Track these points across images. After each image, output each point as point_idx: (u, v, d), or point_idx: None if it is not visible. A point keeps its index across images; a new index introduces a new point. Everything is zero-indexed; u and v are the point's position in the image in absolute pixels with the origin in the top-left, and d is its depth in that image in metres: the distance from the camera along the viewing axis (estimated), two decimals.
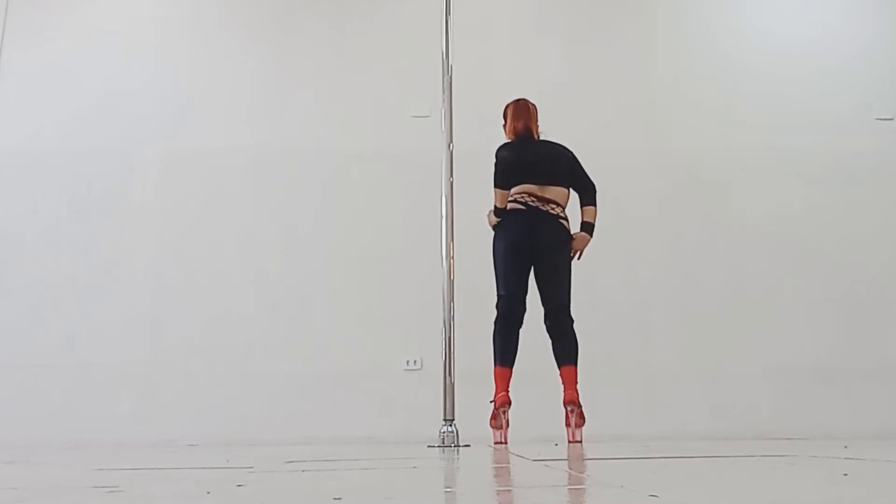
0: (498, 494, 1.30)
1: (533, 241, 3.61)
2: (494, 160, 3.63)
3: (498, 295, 3.62)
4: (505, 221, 3.63)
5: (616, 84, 5.46)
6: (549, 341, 3.61)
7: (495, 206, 3.65)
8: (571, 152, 3.82)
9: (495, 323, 3.62)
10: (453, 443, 3.24)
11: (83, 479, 1.74)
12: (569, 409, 3.52)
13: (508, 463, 2.13)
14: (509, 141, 3.78)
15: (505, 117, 3.81)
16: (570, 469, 1.84)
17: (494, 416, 3.54)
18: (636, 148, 5.33)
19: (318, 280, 5.11)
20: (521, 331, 3.63)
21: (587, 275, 5.09)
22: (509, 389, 3.61)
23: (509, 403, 3.51)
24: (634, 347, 5.03)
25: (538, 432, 3.71)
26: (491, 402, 3.51)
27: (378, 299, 5.07)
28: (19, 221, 5.17)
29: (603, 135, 5.32)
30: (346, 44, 5.48)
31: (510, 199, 3.63)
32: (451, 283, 3.45)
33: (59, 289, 5.07)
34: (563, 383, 3.55)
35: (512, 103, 3.81)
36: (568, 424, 3.55)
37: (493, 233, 3.69)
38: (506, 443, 3.52)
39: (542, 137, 3.81)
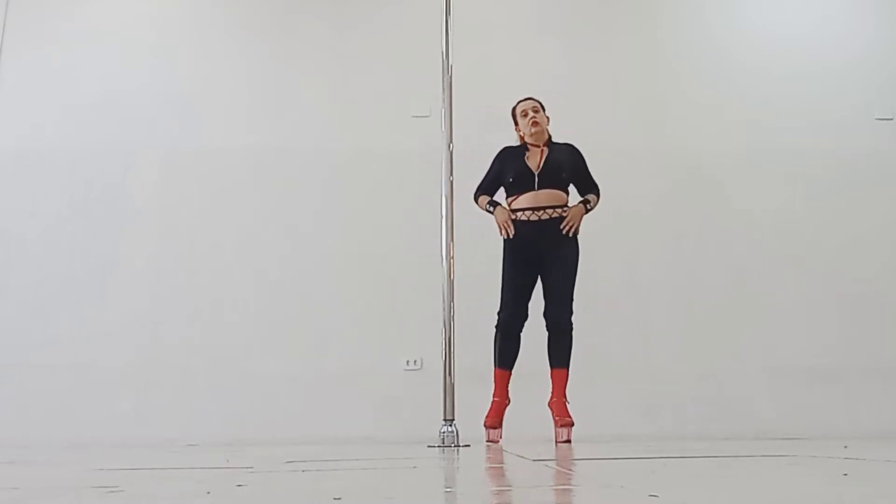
0: (498, 494, 1.30)
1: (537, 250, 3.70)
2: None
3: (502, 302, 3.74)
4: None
5: (616, 83, 5.46)
6: (542, 343, 3.68)
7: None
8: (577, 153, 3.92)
9: (496, 328, 3.71)
10: (453, 443, 3.23)
11: (83, 479, 1.74)
12: (558, 421, 3.58)
13: (508, 463, 2.13)
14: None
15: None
16: (571, 469, 1.84)
17: (490, 416, 3.62)
18: (636, 147, 5.33)
19: (318, 280, 5.11)
20: (521, 334, 3.71)
21: (587, 274, 5.10)
22: (509, 391, 3.66)
23: (498, 425, 3.64)
24: (634, 347, 5.03)
25: (538, 432, 3.71)
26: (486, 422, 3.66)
27: (378, 299, 5.07)
28: (19, 221, 5.17)
29: (603, 134, 5.32)
30: (345, 44, 5.48)
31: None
32: (451, 283, 3.44)
33: (59, 289, 5.07)
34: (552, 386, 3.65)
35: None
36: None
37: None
38: (497, 442, 3.55)
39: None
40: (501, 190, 3.85)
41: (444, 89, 3.66)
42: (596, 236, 5.15)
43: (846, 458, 2.04)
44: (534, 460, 2.14)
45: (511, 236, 3.67)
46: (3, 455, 3.04)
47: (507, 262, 3.70)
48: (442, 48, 3.70)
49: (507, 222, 3.67)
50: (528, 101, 3.87)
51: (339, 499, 1.17)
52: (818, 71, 5.49)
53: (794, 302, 5.13)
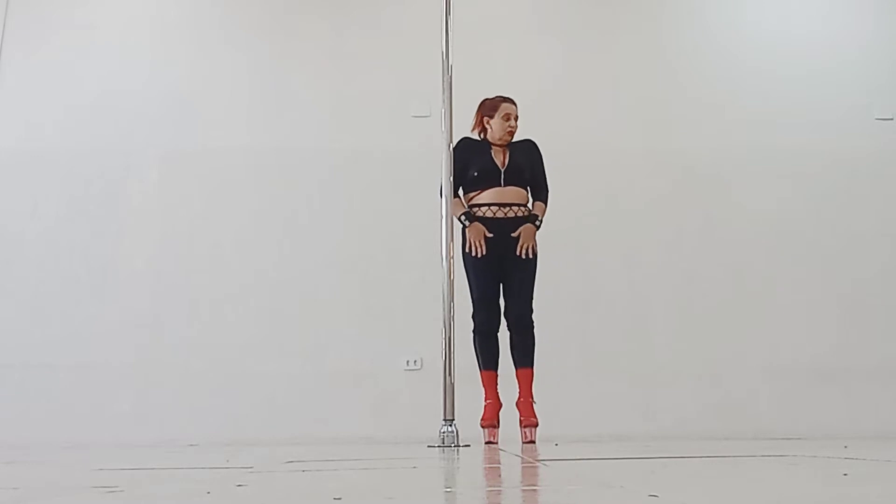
0: (497, 494, 1.30)
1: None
2: None
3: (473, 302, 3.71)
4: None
5: (615, 83, 5.46)
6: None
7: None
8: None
9: (474, 332, 3.69)
10: (453, 443, 3.23)
11: (83, 479, 1.74)
12: (524, 422, 3.59)
13: (508, 463, 2.13)
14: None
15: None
16: (570, 469, 1.84)
17: (486, 417, 3.62)
18: (635, 147, 5.33)
19: (318, 280, 5.11)
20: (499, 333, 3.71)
21: (587, 273, 5.11)
22: (498, 393, 3.65)
23: (496, 425, 3.62)
24: (634, 347, 5.03)
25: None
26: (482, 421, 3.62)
27: (378, 299, 5.07)
28: (19, 221, 5.17)
29: (602, 133, 5.33)
30: (345, 44, 5.48)
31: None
32: (451, 282, 3.44)
33: (59, 289, 5.07)
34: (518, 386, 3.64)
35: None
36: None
37: None
38: (496, 442, 3.55)
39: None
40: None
41: (444, 89, 3.65)
42: (596, 236, 5.20)
43: (846, 458, 2.04)
44: (533, 460, 2.14)
45: (481, 256, 3.63)
46: (3, 455, 3.04)
47: (471, 263, 3.66)
48: (442, 48, 3.70)
49: (480, 241, 3.63)
50: (513, 106, 3.81)
51: (339, 499, 1.17)
52: (818, 71, 5.49)
53: (794, 302, 5.13)
